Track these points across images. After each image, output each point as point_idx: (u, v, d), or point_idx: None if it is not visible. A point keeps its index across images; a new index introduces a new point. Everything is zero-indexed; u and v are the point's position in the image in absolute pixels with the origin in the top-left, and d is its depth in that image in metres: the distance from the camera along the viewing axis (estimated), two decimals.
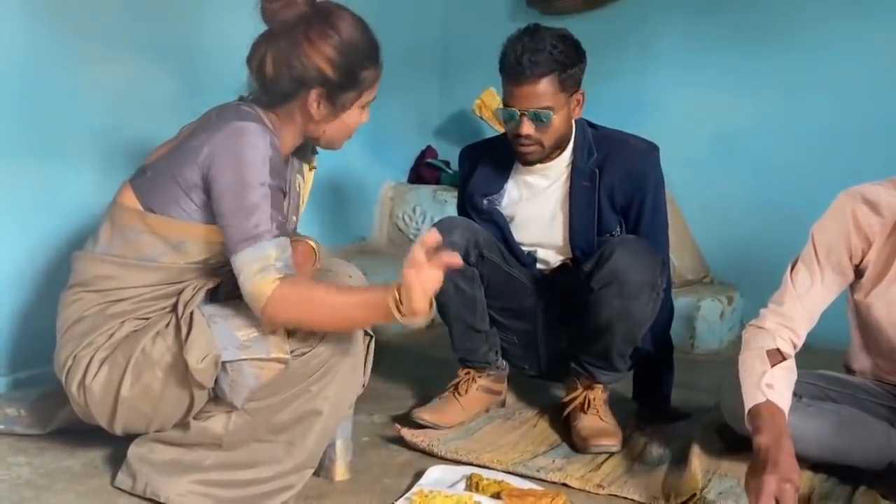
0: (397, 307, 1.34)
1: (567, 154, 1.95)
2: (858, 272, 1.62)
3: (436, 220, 2.00)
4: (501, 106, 1.89)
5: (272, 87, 1.50)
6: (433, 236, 1.32)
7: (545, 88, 1.82)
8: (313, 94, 1.49)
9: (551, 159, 1.95)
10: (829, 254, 1.60)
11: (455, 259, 1.33)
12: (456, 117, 3.62)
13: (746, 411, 1.47)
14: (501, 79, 1.87)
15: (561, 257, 2.01)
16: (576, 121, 1.96)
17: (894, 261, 1.57)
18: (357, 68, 1.50)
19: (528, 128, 1.84)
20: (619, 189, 1.93)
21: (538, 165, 1.95)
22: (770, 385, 1.48)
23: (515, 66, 1.81)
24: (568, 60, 1.83)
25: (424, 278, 1.31)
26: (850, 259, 1.60)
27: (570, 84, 1.85)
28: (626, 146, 1.95)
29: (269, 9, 1.48)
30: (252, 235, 1.38)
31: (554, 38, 1.82)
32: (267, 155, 1.42)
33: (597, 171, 1.93)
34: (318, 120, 1.52)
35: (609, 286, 1.78)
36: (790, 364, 1.55)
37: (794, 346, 1.60)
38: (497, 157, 2.02)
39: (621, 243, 1.82)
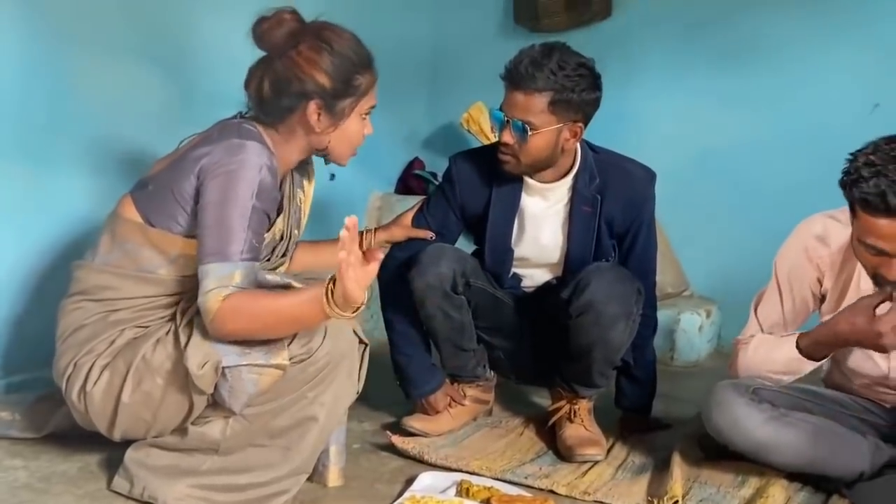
0: (328, 300, 1.34)
1: (570, 178, 1.93)
2: (821, 298, 1.72)
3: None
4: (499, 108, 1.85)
5: (271, 106, 1.54)
6: (352, 220, 1.28)
7: (533, 103, 1.78)
8: (312, 106, 1.53)
9: (551, 181, 1.92)
10: (791, 284, 1.72)
11: (378, 255, 1.33)
12: (443, 130, 3.66)
13: (795, 358, 1.61)
14: None
15: (550, 276, 2.03)
16: (578, 143, 1.92)
17: (849, 287, 1.65)
18: (351, 75, 1.54)
19: (507, 136, 1.82)
20: (619, 217, 1.94)
21: (539, 185, 1.93)
22: (781, 338, 1.65)
23: (513, 71, 1.79)
24: (569, 85, 1.77)
25: (358, 274, 1.31)
26: (811, 290, 1.71)
27: (565, 110, 1.79)
28: (627, 175, 1.95)
29: (259, 31, 1.53)
30: (223, 252, 1.41)
31: (564, 61, 1.77)
32: (258, 176, 1.44)
33: (598, 197, 1.92)
34: (319, 132, 1.56)
35: (586, 314, 1.81)
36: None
37: None
38: (508, 190, 1.94)
39: (597, 272, 1.83)
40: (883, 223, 1.40)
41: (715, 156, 3.15)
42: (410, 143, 3.65)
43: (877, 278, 1.51)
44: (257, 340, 1.43)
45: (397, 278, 1.93)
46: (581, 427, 1.94)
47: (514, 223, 1.97)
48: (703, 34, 3.16)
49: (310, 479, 1.60)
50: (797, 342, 1.62)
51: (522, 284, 2.06)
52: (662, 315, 2.84)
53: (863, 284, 1.61)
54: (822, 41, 2.95)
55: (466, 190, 2.00)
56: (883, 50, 2.83)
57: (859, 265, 1.59)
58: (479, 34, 3.56)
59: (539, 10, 3.33)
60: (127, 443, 1.54)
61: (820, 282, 1.70)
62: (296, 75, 1.52)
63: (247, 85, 1.57)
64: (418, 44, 3.58)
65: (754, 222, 3.03)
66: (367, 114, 1.61)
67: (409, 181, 3.52)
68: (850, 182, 1.45)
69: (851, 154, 1.47)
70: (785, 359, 1.64)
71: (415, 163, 3.57)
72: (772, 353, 1.66)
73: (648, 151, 3.09)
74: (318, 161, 1.75)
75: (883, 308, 1.48)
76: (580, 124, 1.85)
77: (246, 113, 1.59)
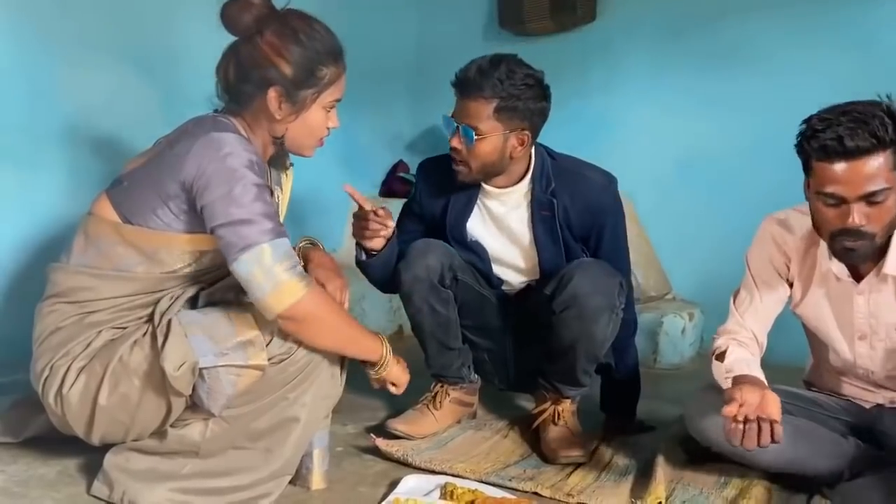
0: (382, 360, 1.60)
1: (525, 182, 1.95)
2: (790, 284, 1.78)
3: None
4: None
5: (236, 92, 1.53)
6: None
7: (479, 110, 1.81)
8: (272, 93, 1.51)
9: (504, 186, 1.94)
10: (762, 274, 1.77)
11: None
12: (428, 133, 3.67)
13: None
14: None
15: (527, 279, 2.04)
16: (535, 148, 1.95)
17: (814, 273, 1.72)
18: (315, 65, 1.52)
19: (456, 141, 1.86)
20: (577, 222, 1.94)
21: (495, 190, 1.95)
22: (729, 371, 1.64)
23: (461, 79, 1.84)
24: (515, 93, 1.80)
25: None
26: (780, 275, 1.76)
27: (510, 118, 1.82)
28: (583, 180, 1.94)
29: (228, 14, 1.51)
30: (252, 242, 1.39)
31: (512, 71, 1.80)
32: (249, 159, 1.44)
33: (554, 201, 1.93)
34: (279, 119, 1.54)
35: (569, 309, 1.83)
36: (735, 346, 1.71)
37: (758, 343, 1.75)
38: (465, 190, 1.98)
39: (580, 267, 1.85)
40: (840, 167, 1.47)
41: (697, 159, 3.18)
42: (394, 146, 3.66)
43: (835, 243, 1.55)
44: (233, 342, 1.42)
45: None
46: (565, 429, 1.95)
47: (470, 214, 1.99)
48: (686, 39, 3.19)
49: (293, 482, 1.60)
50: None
51: (503, 288, 2.08)
52: (646, 318, 2.87)
53: (824, 266, 1.67)
54: (802, 46, 2.98)
55: (426, 192, 2.06)
56: (862, 54, 2.86)
57: (820, 250, 1.65)
58: (463, 37, 3.57)
59: (524, 14, 3.34)
60: (106, 447, 1.52)
61: (788, 267, 1.75)
62: (258, 61, 1.50)
63: (217, 69, 1.56)
64: (403, 47, 3.59)
65: (736, 226, 3.01)
66: (331, 106, 1.58)
67: (392, 184, 3.52)
68: (806, 139, 1.53)
69: (804, 120, 1.55)
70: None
71: (399, 166, 3.58)
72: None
73: (631, 155, 3.11)
74: (297, 159, 1.74)
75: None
76: (527, 132, 1.87)
77: (220, 108, 1.57)
